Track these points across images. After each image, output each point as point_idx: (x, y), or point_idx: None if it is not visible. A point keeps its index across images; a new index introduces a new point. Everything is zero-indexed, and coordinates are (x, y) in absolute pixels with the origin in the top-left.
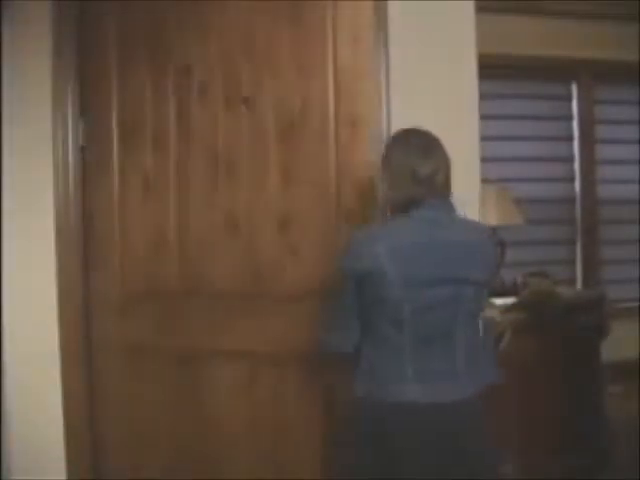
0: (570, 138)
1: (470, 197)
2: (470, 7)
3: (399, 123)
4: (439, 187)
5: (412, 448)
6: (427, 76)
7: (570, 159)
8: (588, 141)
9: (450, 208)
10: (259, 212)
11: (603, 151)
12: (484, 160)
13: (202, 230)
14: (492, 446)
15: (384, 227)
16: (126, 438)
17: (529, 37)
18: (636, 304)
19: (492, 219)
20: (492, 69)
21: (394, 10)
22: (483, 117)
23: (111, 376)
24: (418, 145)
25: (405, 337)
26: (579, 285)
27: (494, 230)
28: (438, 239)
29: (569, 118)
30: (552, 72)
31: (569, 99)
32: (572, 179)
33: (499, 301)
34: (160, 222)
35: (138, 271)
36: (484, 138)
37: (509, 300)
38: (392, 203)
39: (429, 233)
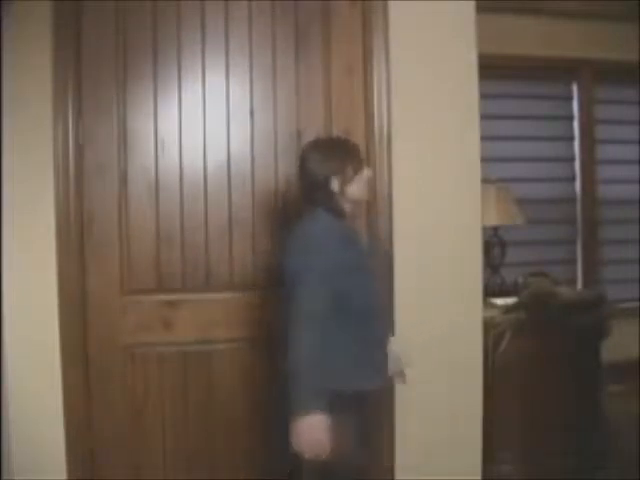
0: (570, 138)
1: (470, 197)
2: (470, 7)
3: (400, 123)
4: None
5: None
6: (427, 76)
7: (570, 159)
8: (588, 141)
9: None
10: None
11: (603, 151)
12: (484, 160)
13: (205, 228)
14: None
15: None
16: (126, 438)
17: (529, 37)
18: (636, 304)
19: (492, 219)
20: (492, 69)
21: (394, 10)
22: (483, 117)
23: (111, 376)
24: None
25: None
26: (579, 285)
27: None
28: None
29: (569, 118)
30: (552, 72)
31: (569, 99)
32: (572, 179)
33: (499, 301)
34: (161, 221)
35: (138, 270)
36: (484, 138)
37: (509, 300)
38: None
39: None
